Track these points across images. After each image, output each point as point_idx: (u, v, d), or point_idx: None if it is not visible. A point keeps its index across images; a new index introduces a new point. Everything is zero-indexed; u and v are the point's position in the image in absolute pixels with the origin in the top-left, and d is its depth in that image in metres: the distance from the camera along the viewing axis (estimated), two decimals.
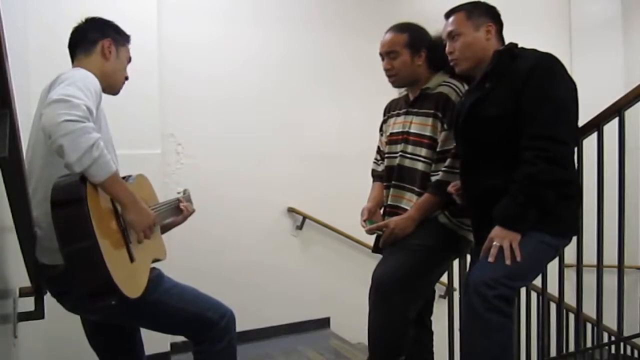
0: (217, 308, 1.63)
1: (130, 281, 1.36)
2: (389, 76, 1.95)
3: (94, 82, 1.38)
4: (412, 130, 1.92)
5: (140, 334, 1.80)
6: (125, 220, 1.39)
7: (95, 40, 1.59)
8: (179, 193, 1.94)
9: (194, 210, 1.87)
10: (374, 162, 2.18)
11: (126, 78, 1.69)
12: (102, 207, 1.33)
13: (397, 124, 2.01)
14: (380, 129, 2.15)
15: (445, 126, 1.85)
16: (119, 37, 1.66)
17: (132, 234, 1.45)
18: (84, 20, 1.64)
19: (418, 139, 1.90)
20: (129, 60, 1.70)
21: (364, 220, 2.01)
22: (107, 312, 1.50)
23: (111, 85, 1.62)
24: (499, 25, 1.71)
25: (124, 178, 1.40)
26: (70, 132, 1.18)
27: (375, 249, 2.06)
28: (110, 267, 1.24)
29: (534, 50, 1.61)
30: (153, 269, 1.57)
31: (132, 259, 1.41)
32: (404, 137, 1.95)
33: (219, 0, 3.52)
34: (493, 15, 1.70)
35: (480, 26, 1.66)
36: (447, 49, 1.71)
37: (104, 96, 1.49)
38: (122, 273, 1.31)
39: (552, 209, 1.53)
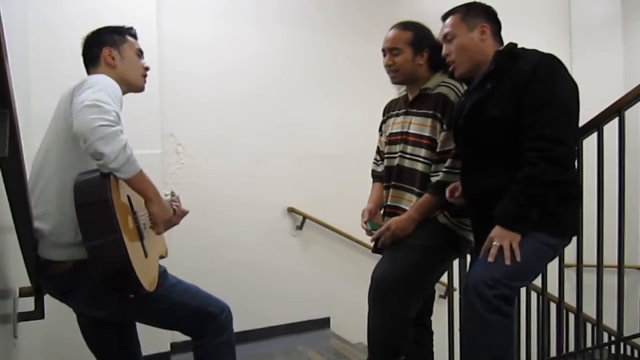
0: (217, 303, 1.68)
1: (147, 275, 1.42)
2: (389, 72, 1.95)
3: (117, 90, 1.45)
4: (411, 131, 1.92)
5: (137, 334, 1.80)
6: (149, 213, 1.46)
7: (97, 54, 1.63)
8: (166, 195, 1.94)
9: (187, 211, 1.86)
10: (374, 163, 2.18)
11: (147, 69, 1.73)
12: (120, 204, 1.38)
13: (396, 124, 2.01)
14: (380, 129, 2.15)
15: (444, 126, 1.84)
16: (117, 37, 1.67)
17: (145, 230, 1.51)
18: (84, 38, 1.68)
19: (417, 140, 1.90)
20: (140, 52, 1.72)
21: (365, 222, 2.01)
22: (113, 309, 1.53)
23: (130, 85, 1.66)
24: (496, 25, 1.70)
25: None
26: (105, 136, 1.27)
27: (375, 249, 2.06)
28: (132, 260, 1.30)
29: (535, 51, 1.61)
30: (158, 265, 1.61)
31: (146, 255, 1.47)
32: (403, 137, 1.95)
33: (218, 0, 3.53)
34: (488, 16, 1.69)
35: (474, 27, 1.66)
36: (443, 51, 1.72)
37: None
38: (141, 267, 1.36)
39: (552, 210, 1.53)
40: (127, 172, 1.33)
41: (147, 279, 1.41)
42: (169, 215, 1.51)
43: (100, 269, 1.32)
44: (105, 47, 1.63)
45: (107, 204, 1.30)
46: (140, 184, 1.39)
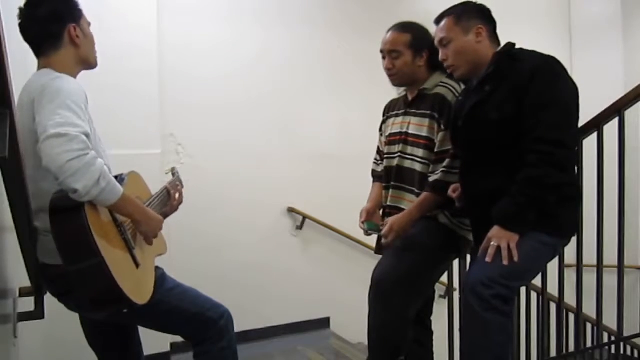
0: (216, 308, 1.65)
1: (139, 288, 1.37)
2: (389, 75, 1.95)
3: (80, 95, 1.34)
4: (410, 131, 1.92)
5: (139, 334, 1.80)
6: (140, 232, 1.43)
7: (59, 33, 1.45)
8: (167, 173, 1.89)
9: (181, 201, 1.81)
10: (374, 163, 2.18)
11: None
12: (101, 218, 1.33)
13: (395, 125, 2.01)
14: (380, 130, 2.15)
15: (442, 127, 1.84)
16: (75, 12, 1.50)
17: (136, 239, 1.46)
18: (25, 12, 1.46)
19: (415, 140, 1.90)
20: (89, 23, 1.56)
21: (362, 222, 2.01)
22: (111, 313, 1.51)
23: (90, 63, 1.56)
24: (491, 24, 1.68)
25: (116, 177, 1.40)
26: (77, 171, 1.19)
27: (378, 250, 2.05)
28: (118, 280, 1.25)
29: (534, 52, 1.60)
30: (156, 269, 1.59)
31: (137, 265, 1.42)
32: (402, 137, 1.95)
33: (218, 1, 3.53)
34: (483, 16, 1.67)
35: (469, 29, 1.64)
36: (440, 56, 1.70)
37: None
38: (131, 282, 1.32)
39: (551, 210, 1.53)
40: (105, 201, 1.27)
41: (140, 292, 1.36)
42: (158, 226, 1.47)
43: (85, 294, 1.28)
44: (69, 24, 1.46)
45: (79, 213, 1.23)
46: (123, 209, 1.34)
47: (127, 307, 1.31)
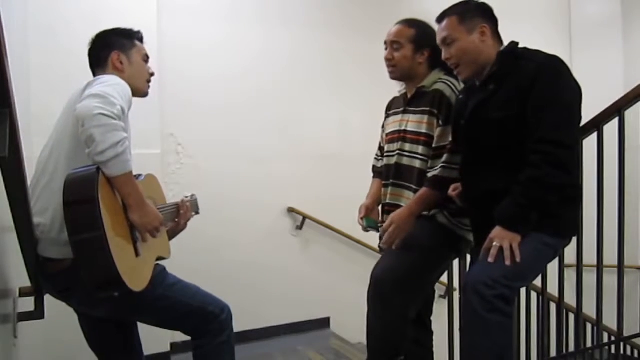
0: (217, 303, 1.68)
1: (134, 274, 1.39)
2: (388, 66, 1.95)
3: (127, 90, 1.46)
4: (409, 129, 1.93)
5: (139, 334, 1.80)
6: (130, 219, 1.43)
7: (105, 57, 1.65)
8: (186, 197, 1.91)
9: (184, 227, 1.83)
10: (375, 158, 2.19)
11: (152, 74, 1.75)
12: (114, 201, 1.37)
13: (394, 123, 2.01)
14: (382, 126, 2.16)
15: (441, 122, 1.84)
16: (125, 41, 1.69)
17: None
18: (91, 39, 1.69)
19: (415, 137, 1.90)
20: (146, 57, 1.74)
21: (361, 218, 2.01)
22: (113, 308, 1.53)
23: (135, 91, 1.64)
24: (493, 23, 1.67)
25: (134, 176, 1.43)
26: (103, 125, 1.27)
27: (382, 249, 2.05)
28: (115, 258, 1.28)
29: (539, 52, 1.59)
30: (157, 265, 1.60)
31: (137, 254, 1.44)
32: (401, 135, 1.95)
33: (218, 1, 3.53)
34: (486, 14, 1.66)
35: (474, 29, 1.63)
36: (443, 55, 1.69)
37: None
38: (126, 265, 1.34)
39: (552, 211, 1.53)
40: (113, 169, 1.31)
41: (134, 278, 1.37)
42: (153, 224, 1.46)
43: (83, 266, 1.30)
44: (114, 51, 1.65)
45: (92, 203, 1.28)
46: (124, 186, 1.36)
47: (119, 290, 1.33)
